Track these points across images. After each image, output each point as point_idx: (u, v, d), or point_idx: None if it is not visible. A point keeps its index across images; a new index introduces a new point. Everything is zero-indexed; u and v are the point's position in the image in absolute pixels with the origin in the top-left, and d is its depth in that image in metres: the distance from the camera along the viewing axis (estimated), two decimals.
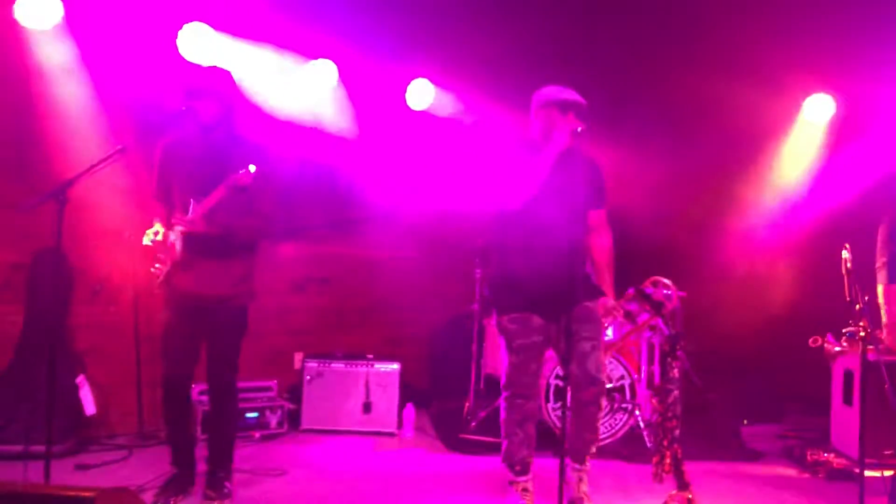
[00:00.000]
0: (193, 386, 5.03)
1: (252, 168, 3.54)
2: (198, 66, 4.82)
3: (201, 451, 4.09)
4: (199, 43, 5.02)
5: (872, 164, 6.02)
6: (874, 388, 4.49)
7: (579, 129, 3.71)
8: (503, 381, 4.00)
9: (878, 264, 3.74)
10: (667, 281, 4.60)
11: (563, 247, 3.62)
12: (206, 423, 4.83)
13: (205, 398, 4.79)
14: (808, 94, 6.22)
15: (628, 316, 4.34)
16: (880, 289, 3.77)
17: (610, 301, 4.07)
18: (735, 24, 5.28)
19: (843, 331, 4.65)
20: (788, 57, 5.48)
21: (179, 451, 4.00)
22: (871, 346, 3.66)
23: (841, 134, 6.23)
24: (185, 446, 4.03)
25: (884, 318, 3.74)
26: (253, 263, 3.99)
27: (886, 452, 4.76)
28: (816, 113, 6.25)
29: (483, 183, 4.06)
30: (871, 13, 5.00)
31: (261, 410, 5.29)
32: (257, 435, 5.21)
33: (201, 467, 4.04)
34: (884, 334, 3.82)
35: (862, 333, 3.90)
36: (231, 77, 3.90)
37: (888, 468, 4.73)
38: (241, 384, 4.13)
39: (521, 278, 3.89)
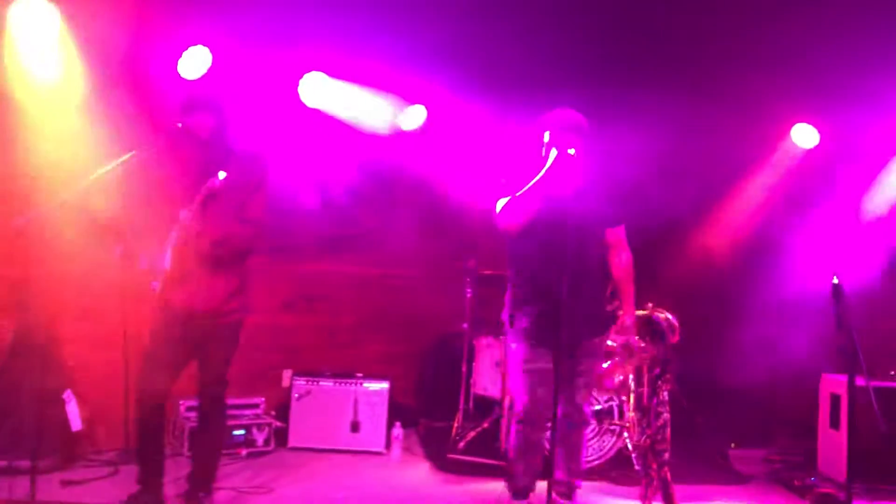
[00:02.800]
0: (181, 402, 5.05)
1: (221, 175, 3.58)
2: (192, 81, 4.83)
3: (183, 469, 4.07)
4: (200, 66, 5.03)
5: (859, 192, 6.09)
6: (861, 413, 4.53)
7: (572, 152, 3.74)
8: (514, 404, 4.01)
9: None
10: (669, 315, 4.59)
11: (571, 276, 3.57)
12: (192, 440, 4.80)
13: (192, 415, 4.79)
14: (792, 123, 6.31)
15: (627, 348, 4.33)
16: None
17: (628, 320, 4.08)
18: (725, 51, 5.34)
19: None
20: (774, 86, 5.55)
21: (148, 470, 3.91)
22: None
23: (825, 162, 6.30)
24: (155, 465, 3.93)
25: None
26: (245, 278, 3.99)
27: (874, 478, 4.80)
28: (801, 141, 6.34)
29: (484, 200, 4.08)
30: (855, 48, 5.10)
31: (248, 428, 5.25)
32: (244, 452, 5.17)
33: (178, 487, 4.01)
34: None
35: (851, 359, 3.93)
36: (225, 90, 3.92)
37: (875, 494, 4.78)
38: (228, 401, 4.11)
39: (532, 305, 3.90)
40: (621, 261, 4.10)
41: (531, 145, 4.08)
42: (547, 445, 4.68)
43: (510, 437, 4.05)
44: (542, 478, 4.12)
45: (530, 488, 4.02)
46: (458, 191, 6.00)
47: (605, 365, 4.49)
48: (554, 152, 3.77)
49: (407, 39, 5.15)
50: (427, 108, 6.10)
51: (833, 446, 5.22)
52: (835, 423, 5.22)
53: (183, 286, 3.76)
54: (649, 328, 4.28)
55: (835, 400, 5.25)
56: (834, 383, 5.27)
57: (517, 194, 3.82)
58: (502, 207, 3.87)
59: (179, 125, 3.73)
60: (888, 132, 5.85)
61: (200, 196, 3.61)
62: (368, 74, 5.74)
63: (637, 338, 4.64)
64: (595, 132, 3.97)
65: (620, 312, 4.11)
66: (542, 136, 3.97)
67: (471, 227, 6.01)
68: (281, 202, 4.24)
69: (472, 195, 5.61)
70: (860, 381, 3.74)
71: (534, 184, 3.78)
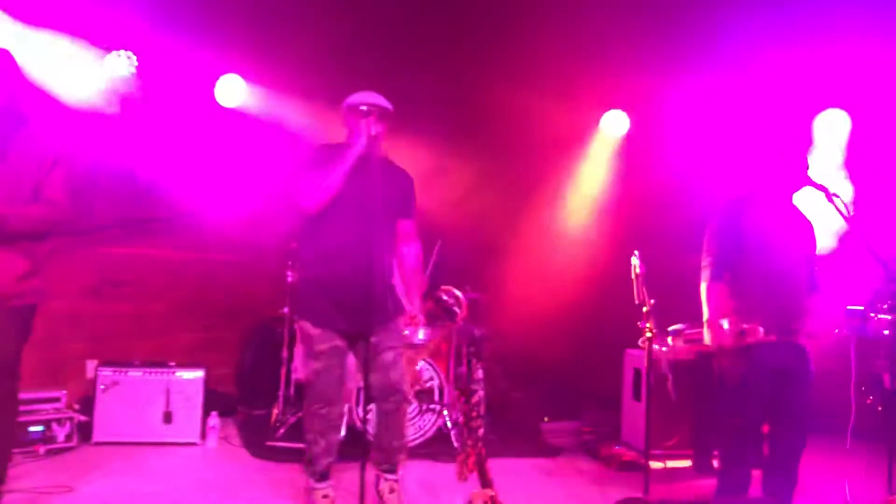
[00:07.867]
0: None
1: None
2: None
3: None
4: None
5: (663, 177, 6.52)
6: (659, 385, 4.88)
7: (374, 133, 3.76)
8: (309, 385, 3.95)
9: (703, 263, 3.99)
10: (457, 291, 4.74)
11: (365, 256, 3.65)
12: None
13: None
14: (604, 109, 6.66)
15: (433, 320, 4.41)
16: (703, 287, 4.02)
17: (414, 310, 4.11)
18: (538, 37, 5.53)
19: (669, 329, 4.99)
20: (588, 74, 5.82)
21: None
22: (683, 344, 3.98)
23: (634, 147, 6.70)
24: None
25: (704, 316, 4.00)
26: (41, 258, 3.65)
27: (668, 444, 5.18)
28: (612, 128, 6.72)
29: (286, 183, 3.98)
30: (664, 40, 5.45)
31: (47, 423, 4.88)
32: (42, 450, 4.80)
33: None
34: (704, 330, 4.08)
35: (649, 334, 4.20)
36: (14, 59, 3.59)
37: (671, 458, 5.18)
38: (24, 395, 3.79)
39: (324, 285, 3.85)
40: (411, 252, 4.13)
41: (338, 125, 4.06)
42: (362, 422, 4.71)
43: (306, 419, 3.95)
44: (359, 454, 4.12)
45: (330, 468, 3.97)
46: (276, 171, 5.87)
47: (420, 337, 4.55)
48: (362, 136, 3.79)
49: None
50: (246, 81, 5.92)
51: (635, 416, 5.58)
52: (637, 395, 5.58)
53: None
54: (440, 308, 4.39)
55: (637, 373, 5.61)
56: (636, 358, 5.63)
57: (323, 175, 3.77)
58: (305, 187, 3.81)
59: None
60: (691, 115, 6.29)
61: None
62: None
63: (426, 327, 4.74)
64: (397, 117, 4.00)
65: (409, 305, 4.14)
66: (348, 117, 3.97)
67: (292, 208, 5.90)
68: (83, 181, 3.94)
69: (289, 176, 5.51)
70: (658, 355, 4.02)
71: (339, 166, 3.76)
